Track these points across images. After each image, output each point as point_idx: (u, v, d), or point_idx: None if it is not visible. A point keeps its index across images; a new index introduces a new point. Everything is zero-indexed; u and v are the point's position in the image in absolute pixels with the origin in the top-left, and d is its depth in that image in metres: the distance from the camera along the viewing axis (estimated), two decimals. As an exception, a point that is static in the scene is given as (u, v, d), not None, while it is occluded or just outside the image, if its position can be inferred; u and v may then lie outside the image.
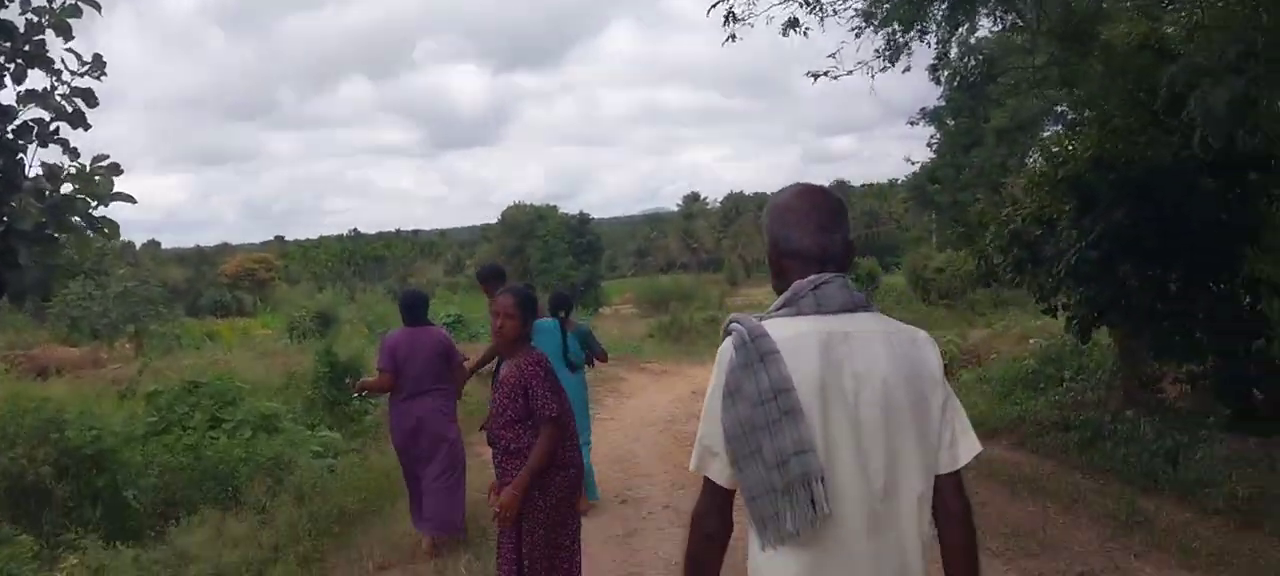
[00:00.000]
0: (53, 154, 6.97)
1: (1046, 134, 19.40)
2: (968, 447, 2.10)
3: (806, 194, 2.18)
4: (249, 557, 5.72)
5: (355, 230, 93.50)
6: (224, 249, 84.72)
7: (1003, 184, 19.71)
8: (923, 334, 2.13)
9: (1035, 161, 14.60)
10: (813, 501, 1.92)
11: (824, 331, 2.02)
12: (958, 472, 2.10)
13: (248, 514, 6.63)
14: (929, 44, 11.67)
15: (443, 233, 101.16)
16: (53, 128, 6.67)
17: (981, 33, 15.35)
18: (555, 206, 55.23)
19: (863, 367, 2.00)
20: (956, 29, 13.47)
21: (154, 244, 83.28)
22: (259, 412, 9.15)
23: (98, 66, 6.49)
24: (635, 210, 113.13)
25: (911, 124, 34.41)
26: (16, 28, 6.45)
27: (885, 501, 2.00)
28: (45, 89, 6.55)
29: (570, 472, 4.39)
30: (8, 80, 6.45)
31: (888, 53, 11.13)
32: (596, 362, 8.03)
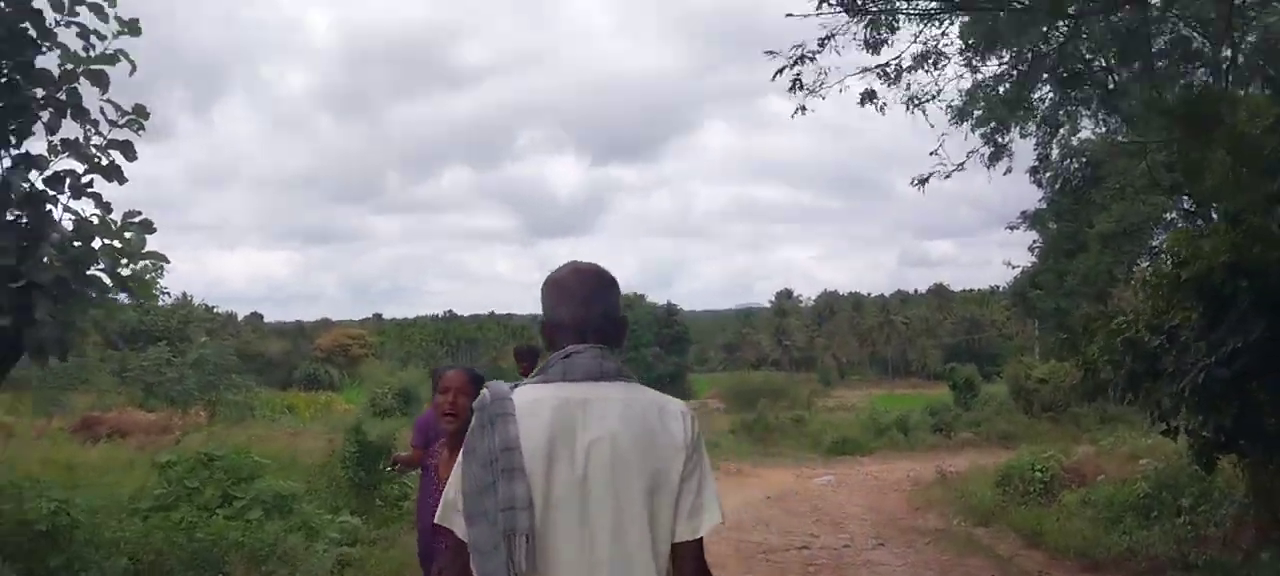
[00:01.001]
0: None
1: (1158, 240, 18.12)
2: (711, 517, 2.11)
3: (575, 271, 2.26)
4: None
5: (451, 311, 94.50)
6: (324, 324, 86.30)
7: (1109, 293, 18.37)
8: (676, 404, 2.17)
9: (1146, 269, 13.41)
10: (511, 557, 1.96)
11: (562, 397, 2.08)
12: (698, 541, 2.11)
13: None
14: (1031, 144, 11.64)
15: (535, 317, 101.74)
16: (86, 180, 6.21)
17: (1084, 133, 14.89)
18: (642, 295, 54.72)
19: (596, 433, 2.05)
20: (1057, 130, 13.01)
21: (257, 316, 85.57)
22: (274, 492, 8.41)
23: (140, 116, 6.03)
24: (727, 304, 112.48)
25: (1011, 228, 33.01)
26: (52, 75, 6.05)
27: (614, 563, 2.02)
28: (78, 138, 6.12)
29: None
30: (40, 128, 6.03)
31: (988, 153, 11.06)
32: None
